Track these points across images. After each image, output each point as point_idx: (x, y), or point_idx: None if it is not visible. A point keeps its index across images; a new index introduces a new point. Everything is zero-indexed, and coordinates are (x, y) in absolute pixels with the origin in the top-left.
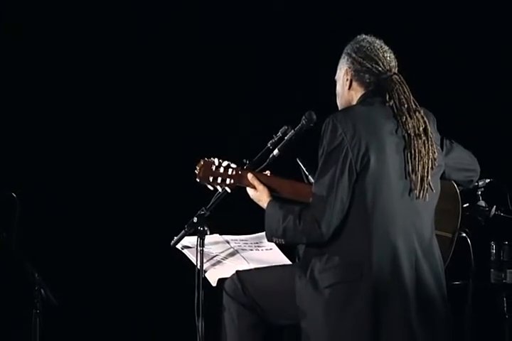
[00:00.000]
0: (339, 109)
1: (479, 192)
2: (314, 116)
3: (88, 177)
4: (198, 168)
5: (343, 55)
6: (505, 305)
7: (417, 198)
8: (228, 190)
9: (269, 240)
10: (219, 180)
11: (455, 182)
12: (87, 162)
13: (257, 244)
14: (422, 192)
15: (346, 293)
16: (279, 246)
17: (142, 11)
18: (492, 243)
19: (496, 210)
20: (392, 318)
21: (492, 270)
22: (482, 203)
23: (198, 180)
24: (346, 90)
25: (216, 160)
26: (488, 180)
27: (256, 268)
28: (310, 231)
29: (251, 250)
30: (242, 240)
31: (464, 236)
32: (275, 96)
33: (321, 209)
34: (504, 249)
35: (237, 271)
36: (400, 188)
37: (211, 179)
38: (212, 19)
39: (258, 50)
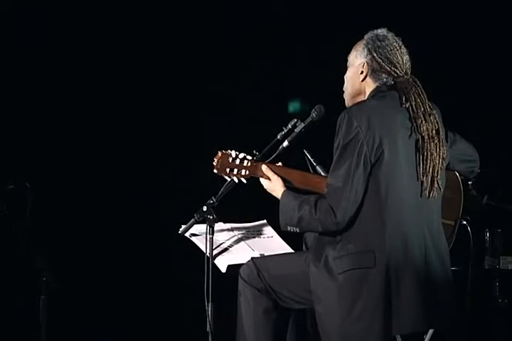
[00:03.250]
0: (345, 94)
1: (470, 182)
2: (324, 110)
3: (98, 168)
4: (215, 159)
5: (363, 46)
6: (497, 289)
7: (428, 198)
8: (244, 181)
9: (283, 228)
10: (235, 171)
11: (457, 172)
12: (97, 153)
13: (259, 232)
14: (432, 192)
15: (360, 278)
16: (280, 233)
17: (142, 12)
18: (486, 230)
19: (487, 199)
20: (403, 302)
21: (486, 256)
22: (474, 193)
23: (216, 172)
24: (359, 81)
25: (233, 153)
26: (478, 170)
27: (270, 255)
28: (326, 221)
29: (254, 237)
30: (245, 228)
31: (465, 224)
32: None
33: (336, 199)
34: (497, 237)
35: (252, 258)
36: (412, 182)
37: (228, 170)
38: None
39: (266, 42)
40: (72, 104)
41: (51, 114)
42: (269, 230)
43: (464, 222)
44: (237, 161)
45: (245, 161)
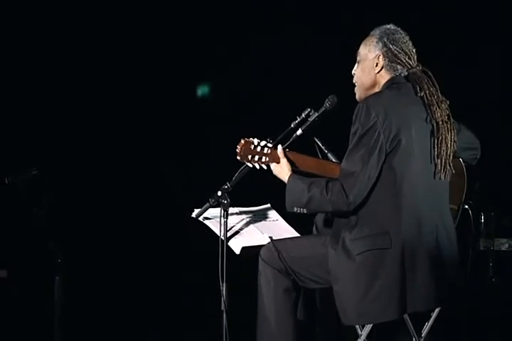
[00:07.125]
0: (360, 87)
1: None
2: (336, 100)
3: (115, 157)
4: (239, 147)
5: (376, 40)
6: (492, 269)
7: (440, 179)
8: (264, 167)
9: (289, 210)
10: (256, 158)
11: (461, 159)
12: (113, 142)
13: (264, 216)
14: (445, 174)
15: (376, 259)
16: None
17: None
18: (481, 213)
19: (479, 184)
20: (417, 282)
21: (481, 238)
22: None
23: (239, 158)
24: (374, 73)
25: (255, 140)
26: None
27: (290, 238)
28: (337, 201)
29: (260, 221)
30: (251, 212)
31: (466, 208)
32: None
33: (350, 181)
34: (492, 219)
35: (272, 240)
36: (425, 166)
37: (250, 157)
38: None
39: (278, 36)
40: (93, 97)
41: (77, 103)
42: (273, 214)
43: (466, 206)
44: (259, 148)
45: (266, 149)
